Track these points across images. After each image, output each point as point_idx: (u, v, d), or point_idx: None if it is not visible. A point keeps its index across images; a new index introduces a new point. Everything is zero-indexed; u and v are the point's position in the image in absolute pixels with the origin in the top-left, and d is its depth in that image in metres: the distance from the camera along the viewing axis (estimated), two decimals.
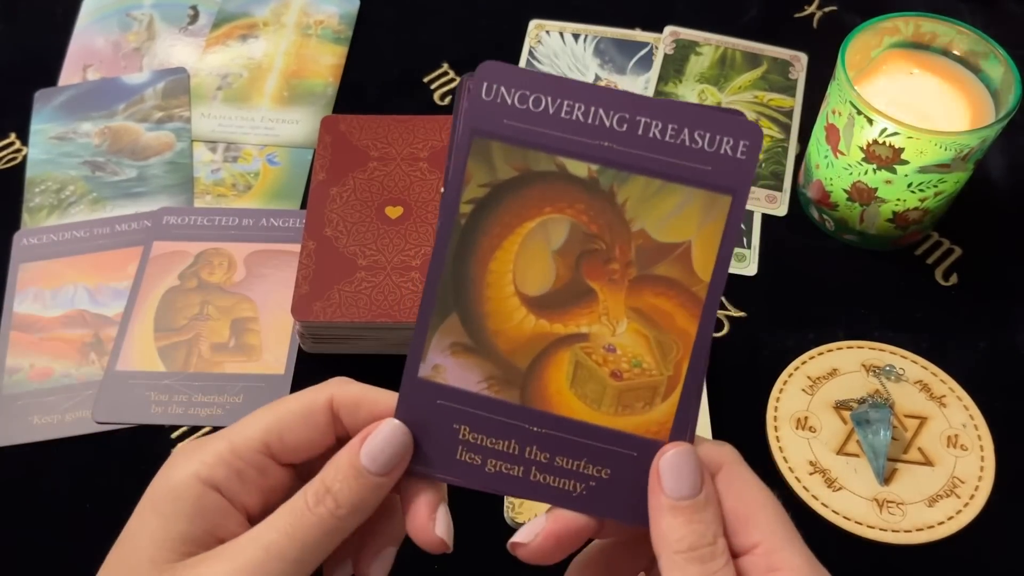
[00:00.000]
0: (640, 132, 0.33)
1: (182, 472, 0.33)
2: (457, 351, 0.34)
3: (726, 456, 0.34)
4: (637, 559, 0.37)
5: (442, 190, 0.35)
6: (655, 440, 0.34)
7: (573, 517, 0.34)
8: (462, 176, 0.34)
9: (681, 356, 0.34)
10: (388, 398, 0.35)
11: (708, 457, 0.34)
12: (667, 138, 0.33)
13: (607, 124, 0.33)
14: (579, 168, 0.34)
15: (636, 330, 0.34)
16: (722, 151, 0.33)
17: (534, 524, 0.34)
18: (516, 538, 0.34)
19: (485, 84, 0.33)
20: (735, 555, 0.33)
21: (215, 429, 0.57)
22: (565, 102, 0.33)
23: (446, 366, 0.34)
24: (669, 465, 0.33)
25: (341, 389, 0.35)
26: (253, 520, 0.34)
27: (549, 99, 0.33)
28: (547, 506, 0.54)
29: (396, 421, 0.34)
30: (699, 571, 0.31)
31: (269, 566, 0.31)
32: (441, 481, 0.35)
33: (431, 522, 0.34)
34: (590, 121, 0.33)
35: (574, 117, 0.33)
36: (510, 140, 0.33)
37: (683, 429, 0.34)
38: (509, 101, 0.33)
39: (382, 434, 0.33)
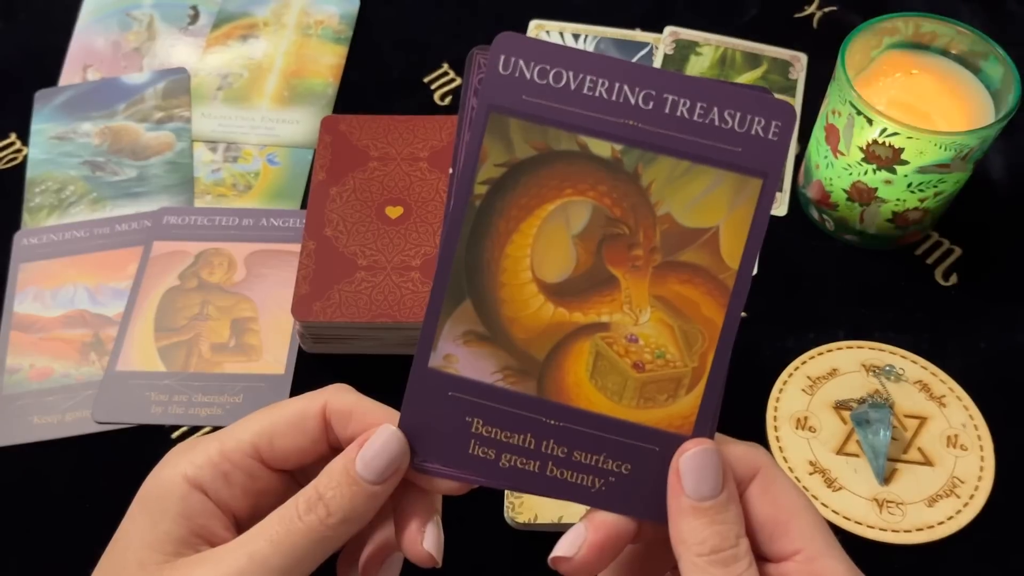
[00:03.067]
0: (667, 110, 0.31)
1: (170, 472, 0.33)
2: (470, 340, 0.33)
3: (761, 460, 0.33)
4: (667, 558, 0.36)
5: (451, 171, 0.33)
6: (678, 434, 0.33)
7: (614, 524, 0.33)
8: (477, 154, 0.32)
9: (707, 347, 0.33)
10: (380, 411, 0.34)
11: (741, 460, 0.33)
12: (695, 117, 0.31)
13: (632, 101, 0.31)
14: (602, 148, 0.32)
15: (660, 319, 0.33)
16: (753, 131, 0.31)
17: (573, 536, 0.32)
18: (558, 552, 0.32)
19: (503, 57, 0.31)
20: (774, 561, 0.32)
21: (215, 429, 0.57)
22: (588, 77, 0.31)
23: (458, 356, 0.33)
24: (690, 465, 0.32)
25: (336, 397, 0.34)
26: (240, 524, 0.34)
27: (571, 74, 0.31)
28: (548, 507, 0.54)
29: (392, 427, 0.33)
30: (722, 574, 0.31)
31: (251, 574, 0.31)
32: (450, 479, 0.33)
33: (420, 535, 0.33)
34: (614, 98, 0.31)
35: (597, 93, 0.31)
36: (529, 117, 0.32)
37: (706, 423, 0.33)
38: (528, 75, 0.31)
39: (378, 441, 0.32)
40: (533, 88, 0.32)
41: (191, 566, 0.31)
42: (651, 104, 0.31)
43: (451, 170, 0.33)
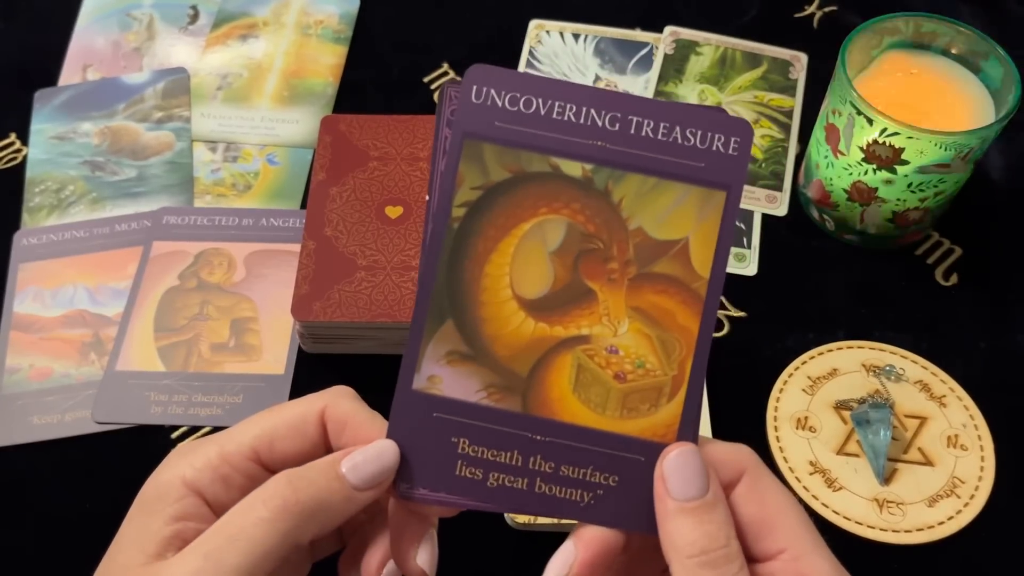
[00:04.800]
0: (632, 131, 0.33)
1: (169, 474, 0.33)
2: (454, 360, 0.33)
3: (746, 460, 0.33)
4: (656, 564, 0.36)
5: (427, 198, 0.34)
6: (662, 443, 0.33)
7: (603, 539, 0.33)
8: (454, 179, 0.33)
9: (685, 354, 0.33)
10: (375, 426, 0.34)
11: (727, 461, 0.33)
12: (659, 136, 0.33)
13: (599, 124, 0.33)
14: (573, 168, 0.33)
15: (638, 330, 0.34)
16: (714, 148, 0.33)
17: (564, 555, 0.32)
18: (549, 573, 0.32)
19: (475, 87, 0.33)
20: (760, 560, 0.32)
21: (215, 429, 0.57)
22: (556, 103, 0.33)
23: (442, 376, 0.33)
24: (673, 466, 0.32)
25: (335, 403, 0.34)
26: None
27: (540, 100, 0.33)
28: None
29: (390, 442, 0.33)
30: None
31: (208, 574, 0.30)
32: (439, 503, 0.33)
33: (413, 551, 0.33)
34: (582, 121, 0.33)
35: (566, 117, 0.33)
36: (502, 142, 0.33)
37: (688, 429, 0.33)
38: (500, 103, 0.33)
39: (371, 450, 0.32)
40: (505, 115, 0.33)
41: (164, 568, 0.31)
42: (617, 125, 0.33)
43: (427, 198, 0.34)
